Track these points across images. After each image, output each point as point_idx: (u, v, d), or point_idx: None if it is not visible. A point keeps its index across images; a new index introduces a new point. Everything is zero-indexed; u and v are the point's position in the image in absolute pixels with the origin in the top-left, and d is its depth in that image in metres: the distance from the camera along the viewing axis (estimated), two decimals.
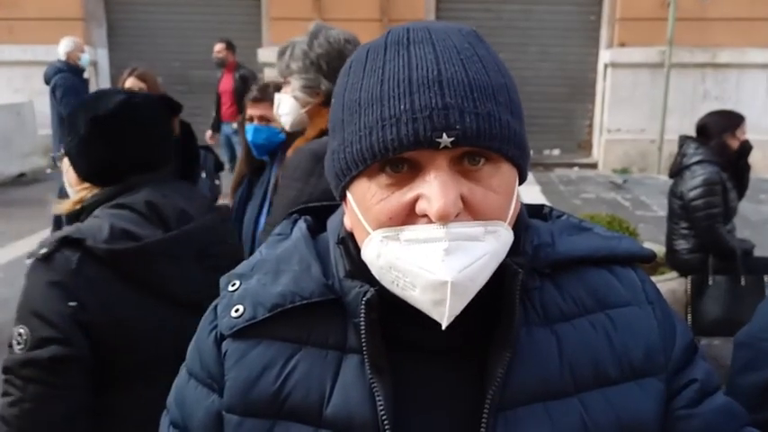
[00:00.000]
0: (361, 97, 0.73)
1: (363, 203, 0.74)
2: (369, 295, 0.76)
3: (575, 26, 11.11)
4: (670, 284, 3.90)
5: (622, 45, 10.57)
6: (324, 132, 1.92)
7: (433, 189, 0.69)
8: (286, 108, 2.10)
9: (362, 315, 0.76)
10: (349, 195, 0.78)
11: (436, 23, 0.77)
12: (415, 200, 0.71)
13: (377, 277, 0.76)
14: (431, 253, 0.69)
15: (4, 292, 5.27)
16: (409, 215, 0.72)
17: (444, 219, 0.69)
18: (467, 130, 0.69)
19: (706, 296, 3.82)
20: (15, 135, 9.58)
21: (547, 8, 11.02)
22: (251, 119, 2.70)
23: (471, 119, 0.69)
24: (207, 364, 0.84)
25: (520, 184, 0.79)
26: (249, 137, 2.67)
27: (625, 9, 10.50)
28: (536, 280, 0.82)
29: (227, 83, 7.83)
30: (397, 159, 0.71)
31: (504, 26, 10.85)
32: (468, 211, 0.71)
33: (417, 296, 0.71)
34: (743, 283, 3.75)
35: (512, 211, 0.76)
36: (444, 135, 0.68)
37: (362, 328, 0.76)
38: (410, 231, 0.71)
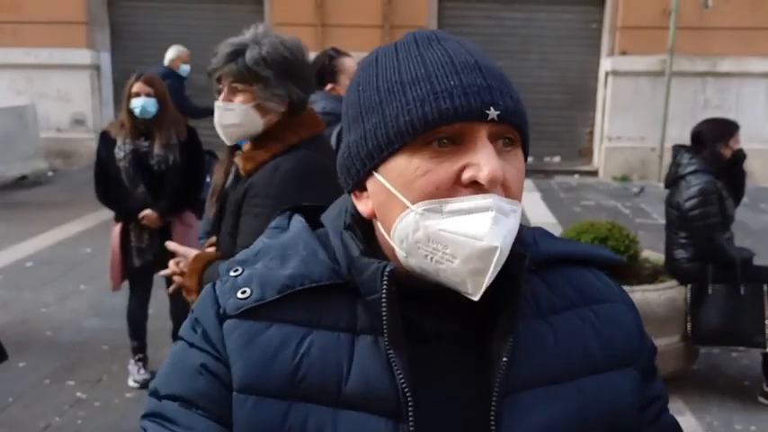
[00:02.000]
0: (403, 78, 0.78)
1: (403, 178, 0.77)
2: (390, 267, 0.78)
3: (576, 34, 11.14)
4: (669, 293, 3.90)
5: (623, 53, 10.60)
6: (292, 147, 1.85)
7: (483, 156, 0.74)
8: (238, 118, 1.92)
9: (385, 287, 0.77)
10: (378, 177, 0.80)
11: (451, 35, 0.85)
12: (461, 171, 0.75)
13: (405, 254, 0.78)
14: (480, 222, 0.73)
15: (5, 294, 5.29)
16: (453, 186, 0.75)
17: (494, 182, 0.73)
18: (508, 108, 0.76)
19: (705, 305, 3.82)
20: (17, 138, 9.59)
21: (548, 16, 11.05)
22: None
23: (509, 99, 0.77)
24: (210, 338, 0.82)
25: None
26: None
27: (626, 17, 10.53)
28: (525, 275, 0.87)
29: None
30: (443, 134, 0.75)
31: (506, 33, 10.89)
32: (503, 186, 0.76)
33: (455, 267, 0.74)
34: (742, 291, 3.74)
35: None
36: (492, 108, 0.75)
37: (384, 299, 0.77)
38: (455, 203, 0.75)
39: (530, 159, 1.02)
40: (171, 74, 7.11)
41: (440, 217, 0.75)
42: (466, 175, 0.74)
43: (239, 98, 1.92)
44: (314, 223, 0.92)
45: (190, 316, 0.86)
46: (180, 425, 0.80)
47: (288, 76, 1.89)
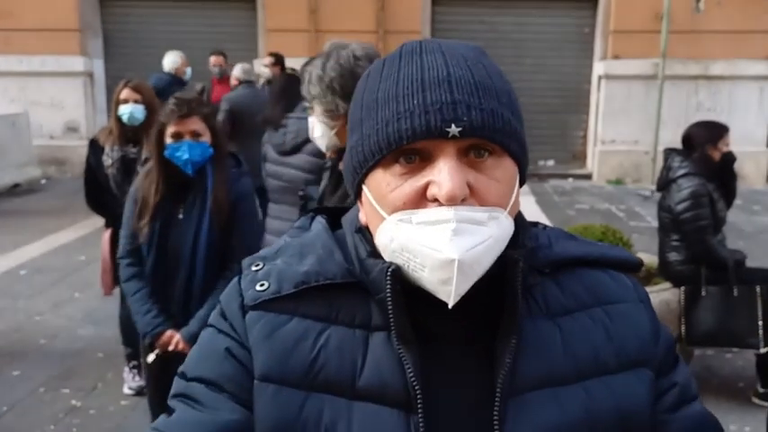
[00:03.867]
0: (378, 97, 0.81)
1: (379, 192, 0.81)
2: (393, 267, 0.80)
3: (569, 38, 11.19)
4: (664, 295, 3.91)
5: (616, 57, 10.64)
6: None
7: (443, 174, 0.76)
8: (319, 132, 2.15)
9: (388, 285, 0.80)
10: (365, 188, 0.84)
11: (446, 40, 0.86)
12: (426, 186, 0.78)
13: (389, 261, 0.82)
14: (440, 234, 0.76)
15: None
16: (421, 200, 0.78)
17: (452, 200, 0.75)
18: (473, 122, 0.76)
19: (699, 307, 3.83)
20: (10, 145, 9.56)
21: (541, 20, 11.10)
22: (179, 135, 2.59)
23: (477, 113, 0.77)
24: (235, 327, 0.87)
25: (520, 185, 0.86)
26: (185, 154, 2.58)
27: (619, 21, 10.59)
28: (536, 277, 0.87)
29: (224, 93, 7.82)
30: (410, 151, 0.78)
31: (499, 38, 10.92)
32: (474, 197, 0.78)
33: (426, 276, 0.77)
34: (735, 293, 3.76)
35: (512, 201, 0.82)
36: (453, 126, 0.76)
37: (389, 298, 0.80)
38: (422, 214, 0.77)
39: None
40: (175, 80, 7.06)
41: (410, 228, 0.78)
42: (429, 192, 0.77)
43: (313, 114, 2.16)
44: (338, 224, 0.95)
45: (218, 307, 0.91)
46: (206, 406, 0.83)
47: (333, 92, 2.03)
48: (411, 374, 0.79)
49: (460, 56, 0.81)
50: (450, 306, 0.77)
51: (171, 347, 2.65)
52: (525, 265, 0.83)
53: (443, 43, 0.83)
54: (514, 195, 0.83)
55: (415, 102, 0.77)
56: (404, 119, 0.77)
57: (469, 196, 0.77)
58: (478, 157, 0.79)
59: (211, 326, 0.90)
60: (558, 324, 0.86)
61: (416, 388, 0.79)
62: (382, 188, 0.80)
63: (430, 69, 0.79)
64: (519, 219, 0.87)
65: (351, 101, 2.07)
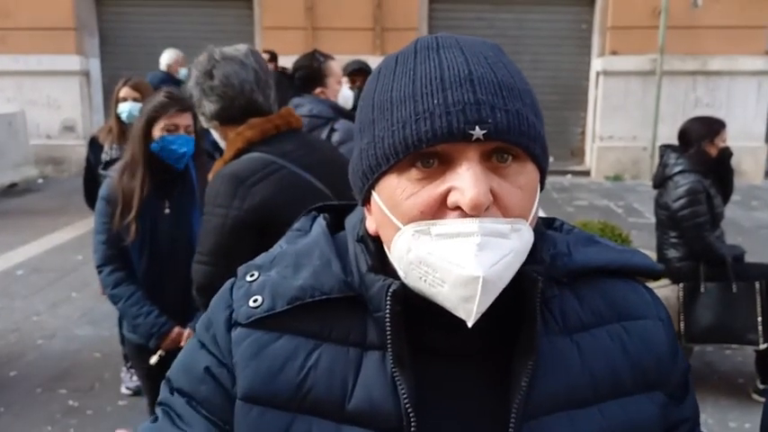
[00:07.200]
0: (393, 96, 0.75)
1: (392, 200, 0.75)
2: (394, 287, 0.76)
3: (567, 35, 11.18)
4: (663, 291, 3.90)
5: (614, 53, 10.63)
6: (240, 152, 1.95)
7: (466, 180, 0.70)
8: (217, 137, 2.15)
9: (388, 306, 0.76)
10: (375, 195, 0.78)
11: (462, 35, 0.80)
12: (446, 193, 0.72)
13: (403, 273, 0.76)
14: (463, 248, 0.70)
15: None
16: (440, 209, 0.72)
17: (477, 209, 0.69)
18: (498, 125, 0.71)
19: (698, 303, 3.83)
20: (7, 145, 9.53)
21: (539, 17, 11.09)
22: (175, 128, 2.59)
23: (502, 114, 0.71)
24: (218, 343, 0.84)
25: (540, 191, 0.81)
26: (182, 147, 2.59)
27: (617, 18, 10.57)
28: (554, 289, 0.83)
29: None
30: (428, 154, 0.72)
31: (497, 34, 10.89)
32: (497, 205, 0.72)
33: (446, 292, 0.71)
34: (734, 289, 3.75)
35: (533, 211, 0.77)
36: (477, 128, 0.70)
37: (387, 319, 0.76)
38: (442, 226, 0.71)
39: None
40: (170, 78, 7.05)
41: (429, 240, 0.72)
42: (451, 200, 0.71)
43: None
44: (341, 222, 0.91)
45: (207, 312, 0.88)
46: (184, 422, 0.84)
47: (201, 93, 2.05)
48: (406, 399, 0.75)
49: (480, 53, 0.75)
50: (469, 325, 0.71)
51: (183, 343, 2.64)
52: (544, 283, 0.78)
53: (461, 39, 0.78)
54: (536, 205, 0.78)
55: (435, 101, 0.71)
56: (423, 120, 0.71)
57: (492, 204, 0.72)
58: (501, 161, 0.73)
59: (197, 337, 0.87)
60: (575, 341, 0.81)
61: (411, 414, 0.75)
62: (396, 195, 0.74)
63: (450, 67, 0.73)
64: (537, 227, 0.81)
65: (213, 99, 2.03)
